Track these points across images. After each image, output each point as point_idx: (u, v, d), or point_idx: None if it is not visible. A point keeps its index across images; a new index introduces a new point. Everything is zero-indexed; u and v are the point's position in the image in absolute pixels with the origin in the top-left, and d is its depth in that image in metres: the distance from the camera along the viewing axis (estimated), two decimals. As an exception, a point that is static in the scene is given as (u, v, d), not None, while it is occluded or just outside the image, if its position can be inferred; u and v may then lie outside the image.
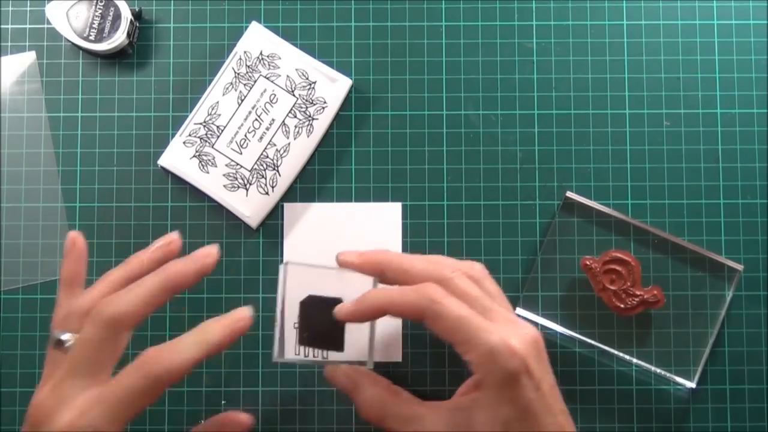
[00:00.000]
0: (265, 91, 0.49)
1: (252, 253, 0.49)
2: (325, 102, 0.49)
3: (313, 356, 0.41)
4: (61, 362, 0.36)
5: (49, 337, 0.37)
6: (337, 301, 0.40)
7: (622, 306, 0.47)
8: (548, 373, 0.37)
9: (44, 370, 0.37)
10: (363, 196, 0.49)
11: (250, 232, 0.49)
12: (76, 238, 0.40)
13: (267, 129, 0.49)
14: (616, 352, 0.48)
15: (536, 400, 0.35)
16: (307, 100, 0.49)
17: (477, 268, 0.40)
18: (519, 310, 0.48)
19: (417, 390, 0.48)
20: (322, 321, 0.40)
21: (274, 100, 0.49)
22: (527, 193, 0.49)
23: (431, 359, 0.49)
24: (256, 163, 0.49)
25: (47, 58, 0.50)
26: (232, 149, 0.49)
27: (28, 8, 0.50)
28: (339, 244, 0.49)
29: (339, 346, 0.40)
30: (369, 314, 0.39)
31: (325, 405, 0.48)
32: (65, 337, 0.36)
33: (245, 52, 0.49)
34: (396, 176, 0.50)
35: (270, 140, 0.49)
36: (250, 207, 0.49)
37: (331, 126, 0.50)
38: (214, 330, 0.36)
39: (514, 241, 0.49)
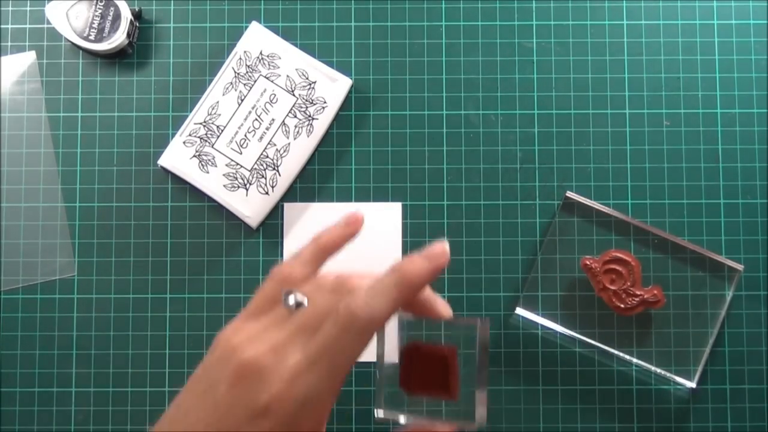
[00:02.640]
0: (265, 91, 0.49)
1: (252, 253, 0.49)
2: (325, 102, 0.49)
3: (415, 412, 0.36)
4: (283, 321, 0.33)
5: (284, 293, 0.34)
6: (451, 349, 0.36)
7: (622, 306, 0.47)
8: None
9: (258, 317, 0.34)
10: (363, 196, 0.49)
11: (250, 232, 0.49)
12: (361, 219, 0.38)
13: (267, 129, 0.49)
14: (616, 352, 0.48)
15: None
16: (307, 100, 0.49)
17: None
18: (519, 310, 0.48)
19: (417, 390, 0.48)
20: (429, 368, 0.36)
21: (274, 100, 0.49)
22: (527, 193, 0.49)
23: (431, 359, 0.48)
24: (256, 163, 0.49)
25: (47, 58, 0.50)
26: (232, 149, 0.49)
27: (28, 8, 0.50)
28: (339, 244, 0.49)
29: (452, 394, 0.36)
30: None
31: (325, 405, 0.48)
32: (302, 300, 0.34)
33: (245, 52, 0.49)
34: (396, 176, 0.50)
35: (270, 140, 0.49)
36: (250, 207, 0.49)
37: (331, 126, 0.50)
38: (413, 267, 0.32)
39: (514, 241, 0.49)
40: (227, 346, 0.33)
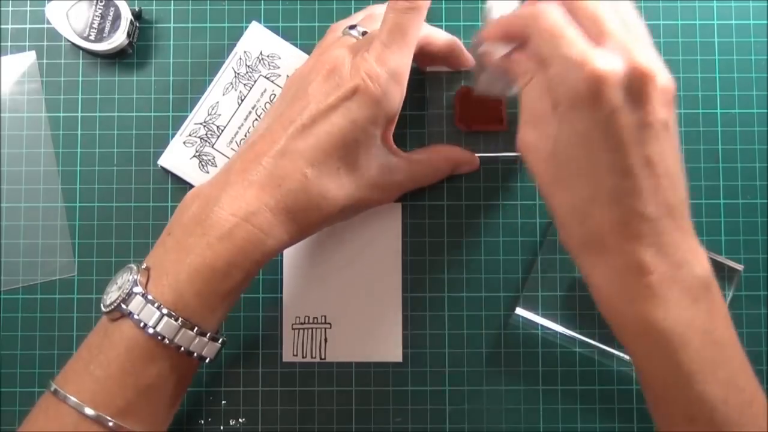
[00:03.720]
0: (265, 91, 0.49)
1: (252, 253, 0.49)
2: (325, 102, 0.49)
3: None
4: (347, 42, 0.41)
5: (347, 28, 0.42)
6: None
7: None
8: (650, 115, 0.34)
9: (336, 45, 0.41)
10: (363, 196, 0.49)
11: (250, 232, 0.49)
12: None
13: (267, 129, 0.49)
14: (616, 352, 0.48)
15: (602, 132, 0.33)
16: (307, 100, 0.49)
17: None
18: (519, 310, 0.48)
19: (417, 390, 0.48)
20: (483, 105, 0.48)
21: (274, 100, 0.49)
22: (528, 193, 0.49)
23: (431, 359, 0.49)
24: (256, 163, 0.49)
25: (47, 58, 0.50)
26: (232, 149, 0.49)
27: (28, 8, 0.50)
28: (338, 245, 0.49)
29: (504, 124, 0.48)
30: (497, 32, 0.39)
31: (325, 405, 0.48)
32: (365, 30, 0.42)
33: (245, 52, 0.49)
34: (396, 176, 0.49)
35: (270, 140, 0.49)
36: (250, 207, 0.48)
37: (331, 126, 0.50)
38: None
39: (514, 241, 0.49)
40: (310, 67, 0.41)
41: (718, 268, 0.48)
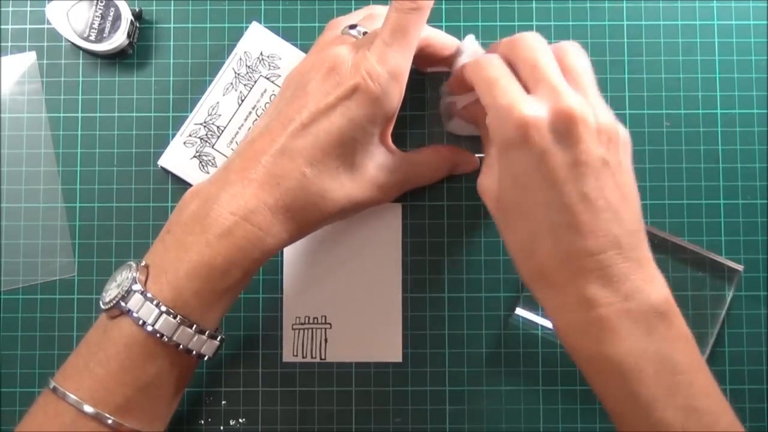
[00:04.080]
0: (265, 91, 0.49)
1: (252, 253, 0.49)
2: (325, 102, 0.49)
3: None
4: (347, 40, 0.41)
5: (348, 27, 0.42)
6: None
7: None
8: (578, 155, 0.35)
9: (334, 44, 0.40)
10: (363, 197, 0.49)
11: (250, 233, 0.49)
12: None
13: (267, 129, 0.49)
14: (616, 353, 0.48)
15: (529, 176, 0.35)
16: (307, 101, 0.49)
17: (567, 43, 0.39)
18: (519, 311, 0.48)
19: (417, 390, 0.48)
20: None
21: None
22: (527, 194, 0.49)
23: (431, 359, 0.49)
24: (256, 163, 0.49)
25: (47, 58, 0.50)
26: (232, 150, 0.49)
27: (28, 8, 0.50)
28: (338, 245, 0.49)
29: None
30: (456, 83, 0.44)
31: (325, 405, 0.48)
32: (365, 30, 0.41)
33: (245, 52, 0.50)
34: (396, 176, 0.49)
35: (270, 140, 0.49)
36: (250, 207, 0.48)
37: (331, 126, 0.50)
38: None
39: (514, 242, 0.49)
40: (310, 63, 0.41)
41: (718, 268, 0.48)
